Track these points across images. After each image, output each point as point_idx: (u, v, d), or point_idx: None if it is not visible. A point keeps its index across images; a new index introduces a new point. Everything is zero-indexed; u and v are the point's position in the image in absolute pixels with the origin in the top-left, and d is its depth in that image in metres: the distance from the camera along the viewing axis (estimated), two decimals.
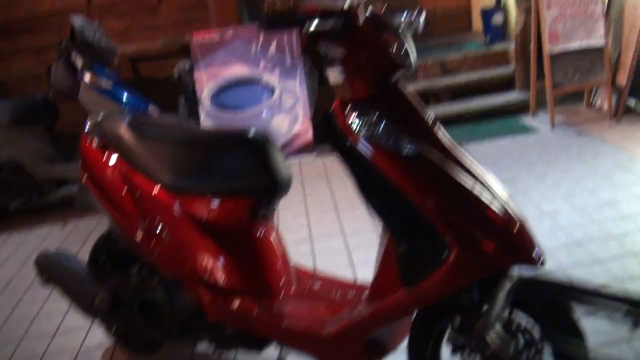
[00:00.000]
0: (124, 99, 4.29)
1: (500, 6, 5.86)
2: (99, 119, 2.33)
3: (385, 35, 1.66)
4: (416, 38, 1.78)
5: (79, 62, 4.20)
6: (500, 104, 5.19)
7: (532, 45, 4.67)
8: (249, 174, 1.99)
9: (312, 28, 1.58)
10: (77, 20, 4.10)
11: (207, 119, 4.96)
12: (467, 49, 5.84)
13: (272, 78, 4.96)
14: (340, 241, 3.27)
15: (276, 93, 4.97)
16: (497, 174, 3.76)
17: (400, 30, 1.70)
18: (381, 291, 1.74)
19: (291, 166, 4.50)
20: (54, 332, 2.85)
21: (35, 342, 2.80)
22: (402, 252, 1.67)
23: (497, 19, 5.78)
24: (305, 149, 4.96)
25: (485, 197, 1.61)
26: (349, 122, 1.67)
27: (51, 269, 2.48)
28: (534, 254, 1.58)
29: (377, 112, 1.65)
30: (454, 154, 1.68)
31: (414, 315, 1.78)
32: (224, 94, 5.04)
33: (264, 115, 4.98)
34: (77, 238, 3.89)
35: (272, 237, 2.16)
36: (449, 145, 1.69)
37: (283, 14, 1.64)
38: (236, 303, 2.00)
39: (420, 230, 1.62)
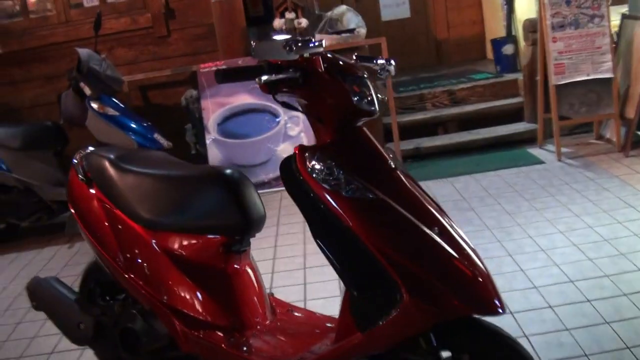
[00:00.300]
0: (130, 126, 4.36)
1: (511, 36, 5.85)
2: (85, 153, 2.38)
3: (347, 83, 1.67)
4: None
5: (87, 90, 4.29)
6: (508, 134, 5.16)
7: (539, 77, 4.64)
8: (221, 212, 2.01)
9: (262, 79, 1.61)
10: (83, 53, 4.20)
11: (214, 146, 5.01)
12: (477, 79, 5.82)
13: (277, 107, 4.99)
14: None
15: (281, 121, 5.00)
16: (498, 206, 3.75)
17: (363, 78, 1.72)
18: (342, 332, 1.72)
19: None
20: (51, 351, 2.89)
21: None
22: (354, 298, 1.65)
23: (508, 49, 5.76)
24: None
25: (444, 244, 1.59)
26: (308, 168, 1.67)
27: (41, 295, 2.52)
28: (492, 303, 1.56)
29: (334, 159, 1.66)
30: (415, 199, 1.67)
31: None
32: (230, 122, 5.08)
33: (269, 143, 5.01)
34: (83, 259, 3.94)
35: (247, 272, 2.17)
36: (411, 191, 1.69)
37: (236, 68, 1.68)
38: (207, 335, 2.02)
39: (372, 277, 1.60)
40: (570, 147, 4.78)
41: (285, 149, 5.01)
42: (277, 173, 4.88)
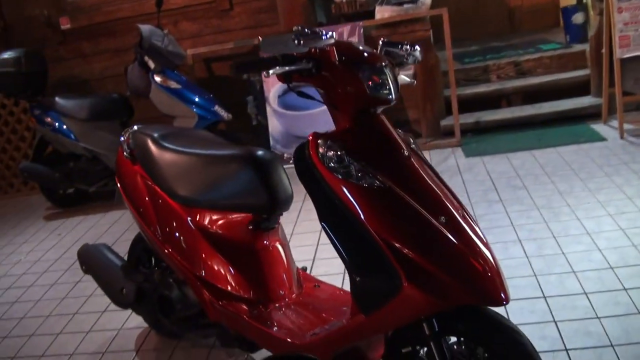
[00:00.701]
0: (192, 99, 4.52)
1: (582, 4, 5.57)
2: (132, 131, 2.53)
3: (361, 72, 1.70)
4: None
5: (151, 64, 4.48)
6: (572, 109, 4.96)
7: (604, 50, 4.43)
8: (250, 192, 2.08)
9: (270, 72, 1.66)
10: (145, 29, 4.37)
11: (274, 117, 5.11)
12: (545, 50, 5.60)
13: None
14: None
15: None
16: (551, 185, 3.66)
17: (381, 66, 1.73)
18: (353, 312, 1.79)
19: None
20: (103, 310, 3.13)
21: (85, 317, 3.09)
22: (356, 282, 1.70)
23: (578, 18, 5.49)
24: None
25: (447, 234, 1.61)
26: (320, 155, 1.72)
27: (89, 261, 2.72)
28: (493, 294, 1.57)
29: (346, 147, 1.70)
30: (426, 187, 1.70)
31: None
32: (290, 94, 5.12)
33: (327, 115, 5.04)
34: None
35: (275, 248, 2.26)
36: (423, 179, 1.71)
37: (252, 60, 1.71)
38: (232, 306, 2.14)
39: (373, 263, 1.64)
40: (636, 124, 4.56)
41: None
42: None
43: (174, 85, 4.54)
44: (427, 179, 1.72)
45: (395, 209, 1.64)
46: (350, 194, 1.66)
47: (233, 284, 2.19)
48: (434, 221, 1.62)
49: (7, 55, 4.54)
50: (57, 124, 4.63)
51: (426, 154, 4.76)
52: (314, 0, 5.39)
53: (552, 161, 4.15)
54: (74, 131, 4.63)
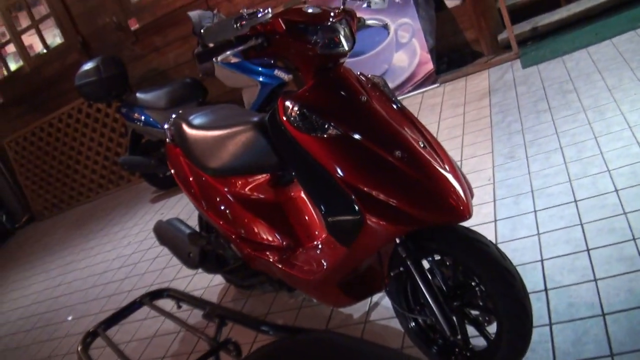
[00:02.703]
0: (253, 69, 4.75)
1: None
2: (172, 118, 2.82)
3: (309, 35, 1.82)
4: None
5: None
6: None
7: None
8: (262, 154, 2.29)
9: (219, 59, 1.82)
10: (194, 16, 4.60)
11: None
12: None
13: (384, 17, 5.01)
14: None
15: (391, 31, 5.02)
16: (601, 82, 3.63)
17: (330, 24, 1.84)
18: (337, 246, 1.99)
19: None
20: (194, 274, 3.53)
21: (180, 282, 3.50)
22: (330, 222, 1.88)
23: None
24: (429, 79, 4.98)
25: (401, 165, 1.72)
26: (287, 116, 1.88)
27: (163, 234, 3.09)
28: (454, 211, 1.68)
29: (309, 104, 1.85)
30: (384, 126, 1.81)
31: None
32: None
33: (383, 55, 5.09)
34: None
35: (297, 198, 2.48)
36: (381, 120, 1.82)
37: (210, 49, 1.89)
38: (265, 255, 2.40)
39: (340, 203, 1.81)
40: None
41: (399, 58, 5.06)
42: (397, 83, 5.04)
43: (233, 60, 4.73)
44: (386, 118, 1.84)
45: (352, 153, 1.79)
46: (313, 146, 1.84)
47: (264, 236, 2.45)
48: (388, 157, 1.75)
49: (86, 66, 5.01)
50: (143, 117, 5.05)
51: (486, 74, 4.68)
52: None
53: (606, 55, 3.94)
54: (159, 120, 5.03)
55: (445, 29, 5.16)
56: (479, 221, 2.76)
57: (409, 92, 5.01)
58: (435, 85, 4.92)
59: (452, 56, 5.21)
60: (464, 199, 1.71)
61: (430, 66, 4.95)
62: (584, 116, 3.29)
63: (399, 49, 5.06)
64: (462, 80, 4.77)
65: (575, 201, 2.59)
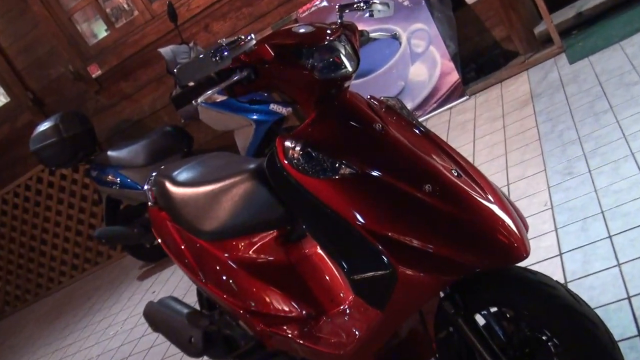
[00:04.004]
0: (243, 106, 4.75)
1: None
2: (152, 176, 2.82)
3: (304, 60, 1.80)
4: None
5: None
6: None
7: None
8: (265, 207, 2.25)
9: (199, 100, 1.82)
10: (167, 52, 4.65)
11: None
12: None
13: (393, 27, 5.04)
14: None
15: (403, 41, 5.04)
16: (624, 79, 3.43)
17: (328, 43, 1.82)
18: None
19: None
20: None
21: None
22: (356, 280, 1.83)
23: None
24: (455, 92, 4.97)
25: (433, 203, 1.68)
26: (289, 159, 1.85)
27: (156, 318, 3.03)
28: (506, 251, 1.63)
29: (312, 142, 1.82)
30: (408, 157, 1.77)
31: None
32: None
33: (397, 70, 5.10)
34: None
35: (313, 255, 2.42)
36: (403, 149, 1.79)
37: (188, 89, 1.88)
38: (283, 330, 2.32)
39: (364, 256, 1.77)
40: None
41: (417, 71, 5.07)
42: (417, 101, 5.03)
43: (219, 98, 4.80)
44: (408, 147, 1.80)
45: (372, 193, 1.75)
46: (324, 190, 1.80)
47: (279, 306, 2.37)
48: (416, 193, 1.70)
49: (42, 127, 5.04)
50: (118, 178, 5.06)
51: (525, 76, 4.68)
52: None
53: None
54: (138, 180, 5.04)
55: (467, 29, 5.18)
56: (539, 257, 2.70)
57: (434, 109, 5.01)
58: (464, 98, 4.91)
59: (480, 61, 5.22)
60: (517, 233, 1.66)
61: (455, 76, 4.95)
62: None
63: (415, 61, 5.07)
64: (497, 87, 4.76)
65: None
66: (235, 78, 1.85)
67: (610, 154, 3.11)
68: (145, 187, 2.86)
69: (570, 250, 2.65)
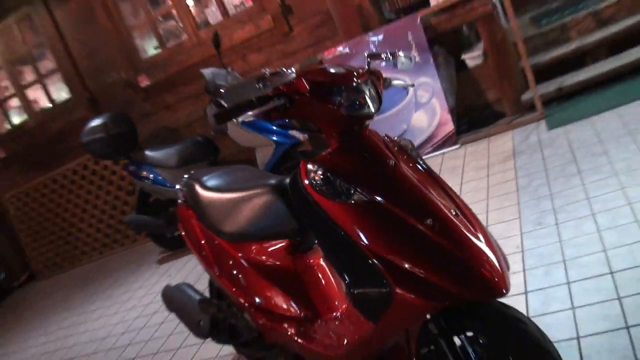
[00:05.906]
0: (267, 128, 4.79)
1: None
2: (184, 178, 2.83)
3: (334, 97, 1.83)
4: None
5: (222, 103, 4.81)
6: None
7: None
8: (280, 219, 2.28)
9: (240, 120, 1.82)
10: (207, 73, 4.69)
11: None
12: None
13: (403, 76, 5.08)
14: None
15: (410, 90, 5.08)
16: (633, 145, 3.56)
17: (356, 85, 1.85)
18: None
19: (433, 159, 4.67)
20: (202, 342, 3.48)
21: (186, 350, 3.41)
22: (355, 294, 1.85)
23: None
24: (449, 140, 5.00)
25: (432, 236, 1.70)
26: (310, 180, 1.87)
27: (171, 300, 3.05)
28: (489, 286, 1.65)
29: (332, 168, 1.84)
30: (414, 193, 1.80)
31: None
32: None
33: (401, 115, 5.13)
34: None
35: (316, 266, 2.44)
36: (411, 185, 1.81)
37: (230, 108, 1.87)
38: (282, 327, 2.35)
39: (366, 274, 1.78)
40: None
41: (418, 118, 5.10)
42: (415, 143, 5.02)
43: (248, 118, 4.82)
44: (415, 184, 1.82)
45: (379, 220, 1.77)
46: (337, 212, 1.81)
47: (281, 305, 2.41)
48: (418, 226, 1.72)
49: (94, 123, 5.10)
50: (152, 175, 5.10)
51: (509, 135, 4.70)
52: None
53: (637, 116, 3.95)
54: (168, 179, 5.08)
55: (466, 89, 5.22)
56: (510, 292, 2.68)
57: (429, 153, 5.03)
58: (456, 147, 4.94)
59: (473, 116, 5.25)
60: (500, 271, 1.68)
61: (450, 127, 4.98)
62: (616, 180, 3.26)
63: (418, 109, 5.10)
64: (484, 141, 4.78)
65: (612, 272, 2.54)
66: (273, 104, 1.87)
67: (575, 211, 3.14)
68: (177, 186, 2.88)
69: (534, 290, 2.66)
